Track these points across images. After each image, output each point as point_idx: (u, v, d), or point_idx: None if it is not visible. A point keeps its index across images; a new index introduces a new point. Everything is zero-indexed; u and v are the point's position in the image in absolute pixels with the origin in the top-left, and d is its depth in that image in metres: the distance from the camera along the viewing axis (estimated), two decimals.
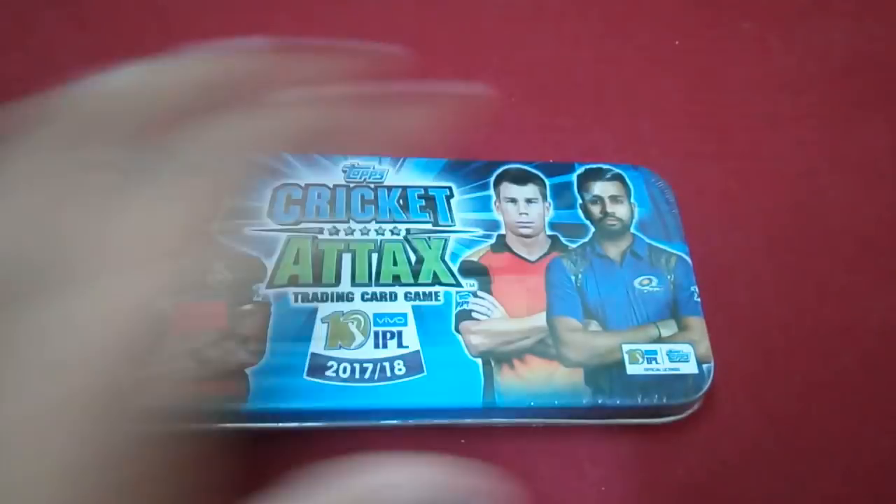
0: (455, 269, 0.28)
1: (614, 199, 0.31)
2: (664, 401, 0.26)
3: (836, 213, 0.34)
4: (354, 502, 0.15)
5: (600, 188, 0.31)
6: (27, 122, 0.16)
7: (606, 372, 0.26)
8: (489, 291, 0.28)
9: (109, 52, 0.36)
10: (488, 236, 0.29)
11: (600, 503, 0.27)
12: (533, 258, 0.29)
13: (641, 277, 0.29)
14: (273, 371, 0.25)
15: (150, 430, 0.14)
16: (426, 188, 0.30)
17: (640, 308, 0.28)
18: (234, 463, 0.24)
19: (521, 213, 0.30)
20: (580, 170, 0.31)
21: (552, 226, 0.30)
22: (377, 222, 0.29)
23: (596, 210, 0.30)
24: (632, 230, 0.30)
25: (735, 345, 0.31)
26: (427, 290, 0.27)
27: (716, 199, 0.34)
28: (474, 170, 0.31)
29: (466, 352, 0.26)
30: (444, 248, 0.28)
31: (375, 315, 0.26)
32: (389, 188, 0.30)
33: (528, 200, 0.30)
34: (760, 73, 0.38)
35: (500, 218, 0.30)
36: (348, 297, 0.27)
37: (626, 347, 0.27)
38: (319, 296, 0.27)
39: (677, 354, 0.27)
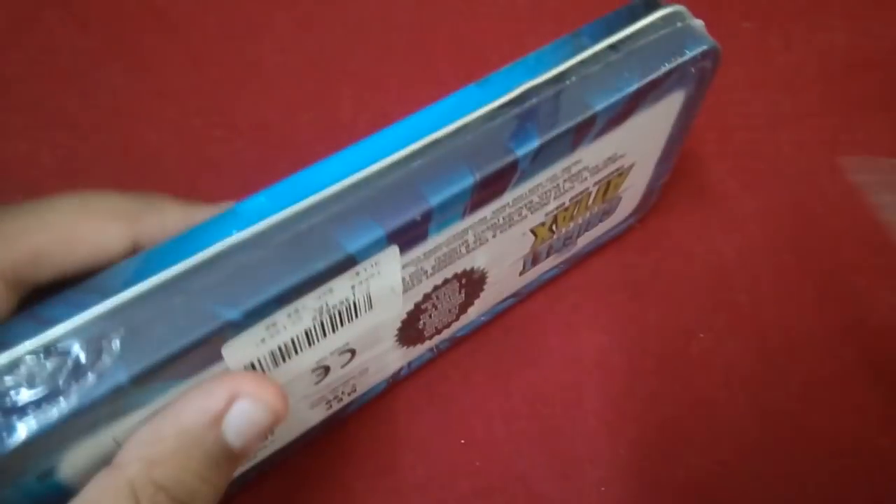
0: None
1: None
2: None
3: (835, 213, 0.34)
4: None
5: None
6: None
7: None
8: None
9: (109, 51, 0.36)
10: None
11: None
12: None
13: None
14: None
15: None
16: None
17: None
18: None
19: None
20: None
21: None
22: None
23: None
24: None
25: (735, 345, 0.31)
26: None
27: (716, 198, 0.35)
28: None
29: None
30: None
31: None
32: None
33: None
34: (760, 73, 0.38)
35: None
36: None
37: None
38: None
39: None
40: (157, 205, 0.20)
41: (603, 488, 0.28)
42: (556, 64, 0.23)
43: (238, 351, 0.19)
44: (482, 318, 0.30)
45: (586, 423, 0.29)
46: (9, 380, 0.16)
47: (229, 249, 0.19)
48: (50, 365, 0.17)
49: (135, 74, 0.36)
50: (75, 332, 0.17)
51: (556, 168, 0.24)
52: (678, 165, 0.33)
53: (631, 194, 0.30)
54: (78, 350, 0.17)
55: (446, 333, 0.29)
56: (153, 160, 0.34)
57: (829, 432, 0.29)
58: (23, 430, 0.16)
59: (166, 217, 0.19)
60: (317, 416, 0.27)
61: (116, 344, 0.17)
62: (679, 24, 0.24)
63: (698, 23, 0.25)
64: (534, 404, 0.29)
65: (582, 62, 0.23)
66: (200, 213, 0.20)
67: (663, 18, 0.25)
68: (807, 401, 0.30)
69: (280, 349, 0.21)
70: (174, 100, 0.35)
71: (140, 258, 0.18)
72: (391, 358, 0.27)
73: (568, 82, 0.23)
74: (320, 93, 0.36)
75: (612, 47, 0.24)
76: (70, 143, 0.34)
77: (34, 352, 0.17)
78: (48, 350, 0.17)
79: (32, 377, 0.17)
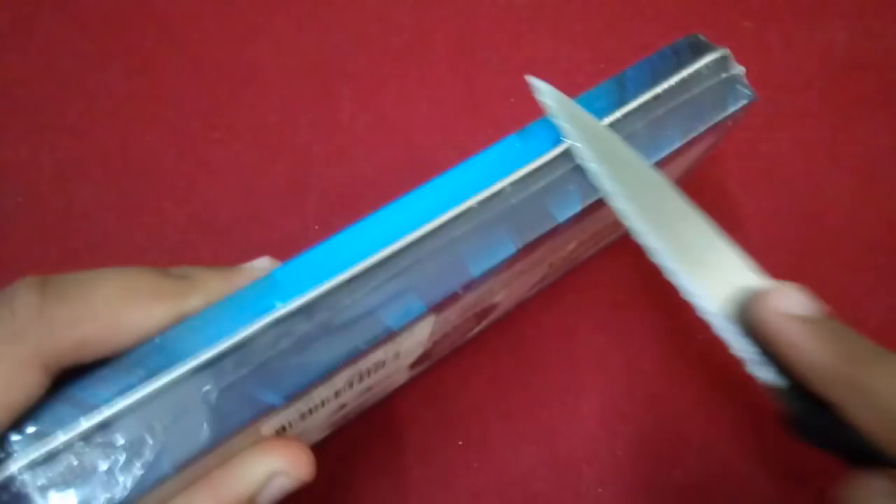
0: None
1: None
2: None
3: (836, 213, 0.34)
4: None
5: None
6: None
7: None
8: None
9: (108, 54, 0.36)
10: None
11: None
12: None
13: None
14: None
15: None
16: None
17: None
18: None
19: None
20: None
21: None
22: None
23: None
24: None
25: None
26: None
27: (715, 198, 0.34)
28: None
29: None
30: None
31: None
32: None
33: None
34: (760, 72, 0.38)
35: None
36: None
37: None
38: None
39: None
40: (197, 279, 0.19)
41: (600, 489, 0.28)
42: (600, 117, 0.22)
43: (273, 422, 0.19)
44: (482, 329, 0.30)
45: (584, 423, 0.29)
46: (50, 474, 0.16)
47: (271, 325, 0.18)
48: (93, 456, 0.16)
49: (133, 77, 0.36)
50: (118, 420, 0.16)
51: (588, 219, 0.23)
52: None
53: None
54: (122, 440, 0.16)
55: (450, 349, 0.29)
56: (152, 162, 0.34)
57: None
58: None
59: (210, 291, 0.19)
60: (323, 434, 0.27)
61: (160, 434, 0.16)
62: (724, 75, 0.24)
63: (740, 70, 0.24)
64: (531, 405, 0.29)
65: (626, 115, 0.22)
66: (240, 279, 0.19)
67: (708, 66, 0.24)
68: None
69: (310, 409, 0.20)
70: (173, 102, 0.35)
71: (181, 330, 0.18)
72: (399, 380, 0.27)
73: None
74: (319, 95, 0.36)
75: (657, 99, 0.23)
76: (69, 146, 0.34)
77: (75, 442, 0.16)
78: (91, 440, 0.16)
79: (74, 471, 0.16)
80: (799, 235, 0.34)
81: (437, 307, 0.20)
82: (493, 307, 0.26)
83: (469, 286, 0.20)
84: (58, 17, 0.37)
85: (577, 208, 0.21)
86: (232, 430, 0.17)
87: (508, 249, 0.20)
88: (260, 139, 0.35)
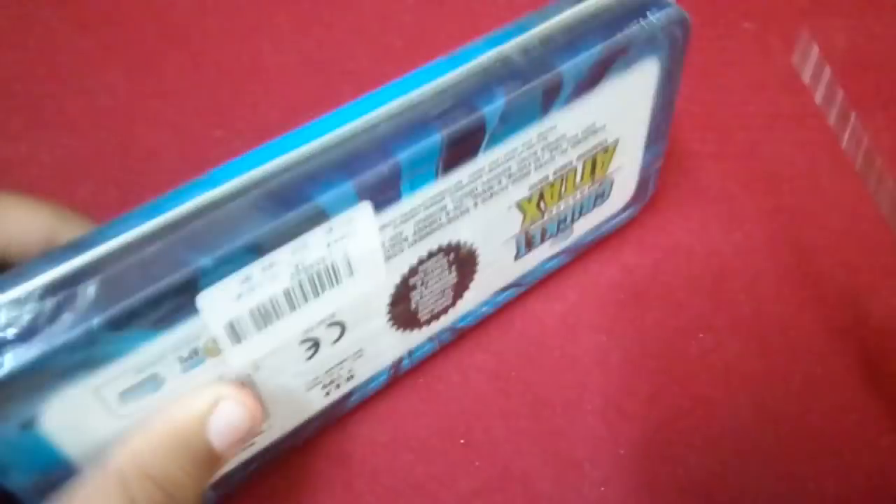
0: None
1: None
2: None
3: (836, 213, 0.34)
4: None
5: None
6: None
7: None
8: None
9: (108, 52, 0.36)
10: None
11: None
12: None
13: None
14: None
15: None
16: None
17: None
18: None
19: None
20: None
21: None
22: None
23: None
24: None
25: (735, 345, 0.31)
26: None
27: (715, 199, 0.35)
28: None
29: None
30: None
31: None
32: None
33: None
34: (760, 73, 0.38)
35: None
36: None
37: None
38: None
39: None
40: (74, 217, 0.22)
41: (602, 488, 0.28)
42: (522, 33, 0.24)
43: (214, 304, 0.19)
44: (483, 310, 0.30)
45: (586, 422, 0.29)
46: None
47: (203, 206, 0.19)
48: (28, 310, 0.17)
49: (134, 75, 0.36)
50: (53, 282, 0.18)
51: (531, 133, 0.24)
52: (678, 165, 0.33)
53: (623, 178, 0.30)
54: (55, 297, 0.18)
55: (445, 320, 0.29)
56: (152, 161, 0.34)
57: (828, 432, 0.29)
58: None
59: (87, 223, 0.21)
60: (316, 401, 0.26)
61: (91, 291, 0.18)
62: None
63: None
64: (533, 404, 0.29)
65: (546, 29, 0.24)
66: None
67: None
68: (807, 401, 0.30)
69: (260, 309, 0.21)
70: (173, 101, 0.35)
71: (114, 219, 0.19)
72: (387, 342, 0.27)
73: (531, 48, 0.24)
74: (320, 93, 0.36)
75: (577, 15, 0.25)
76: (69, 144, 0.34)
77: (12, 299, 0.17)
78: (27, 298, 0.17)
79: (9, 322, 0.17)
80: (799, 235, 0.34)
81: (370, 192, 0.21)
82: (468, 254, 0.27)
83: (398, 171, 0.21)
84: (58, 14, 0.37)
85: (501, 101, 0.22)
86: (161, 289, 0.18)
87: (434, 138, 0.21)
88: (261, 138, 0.34)
